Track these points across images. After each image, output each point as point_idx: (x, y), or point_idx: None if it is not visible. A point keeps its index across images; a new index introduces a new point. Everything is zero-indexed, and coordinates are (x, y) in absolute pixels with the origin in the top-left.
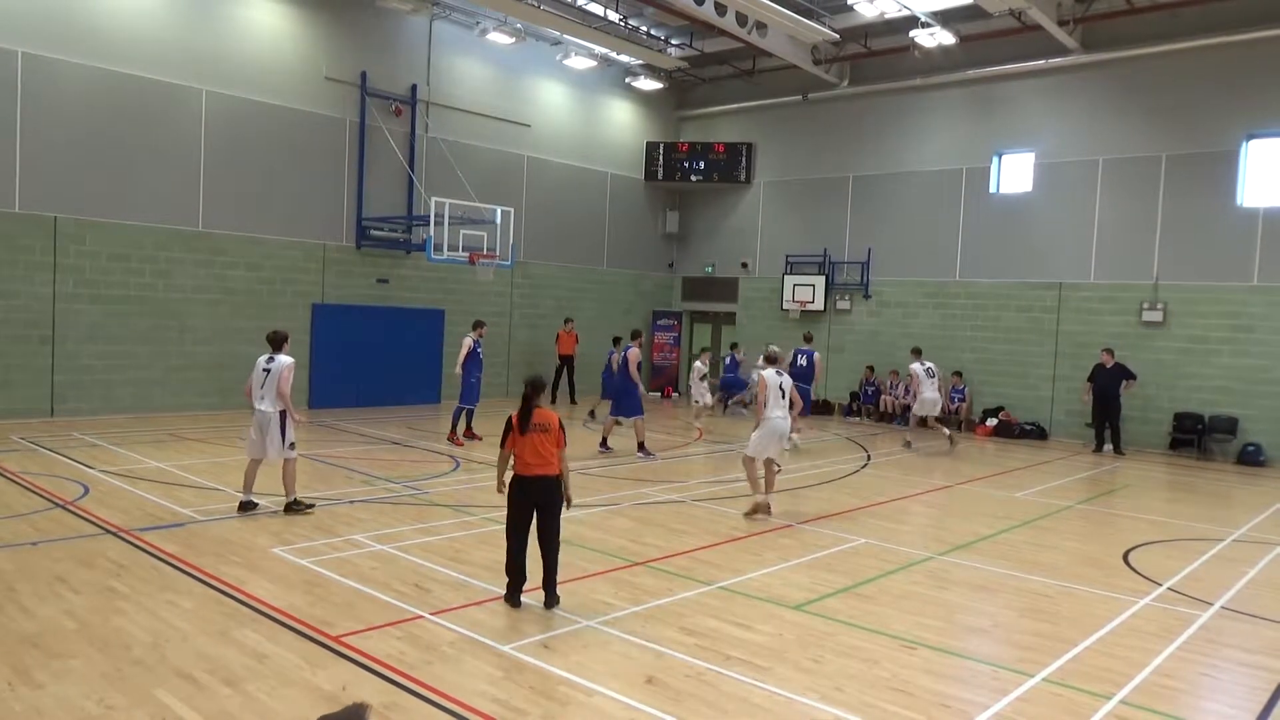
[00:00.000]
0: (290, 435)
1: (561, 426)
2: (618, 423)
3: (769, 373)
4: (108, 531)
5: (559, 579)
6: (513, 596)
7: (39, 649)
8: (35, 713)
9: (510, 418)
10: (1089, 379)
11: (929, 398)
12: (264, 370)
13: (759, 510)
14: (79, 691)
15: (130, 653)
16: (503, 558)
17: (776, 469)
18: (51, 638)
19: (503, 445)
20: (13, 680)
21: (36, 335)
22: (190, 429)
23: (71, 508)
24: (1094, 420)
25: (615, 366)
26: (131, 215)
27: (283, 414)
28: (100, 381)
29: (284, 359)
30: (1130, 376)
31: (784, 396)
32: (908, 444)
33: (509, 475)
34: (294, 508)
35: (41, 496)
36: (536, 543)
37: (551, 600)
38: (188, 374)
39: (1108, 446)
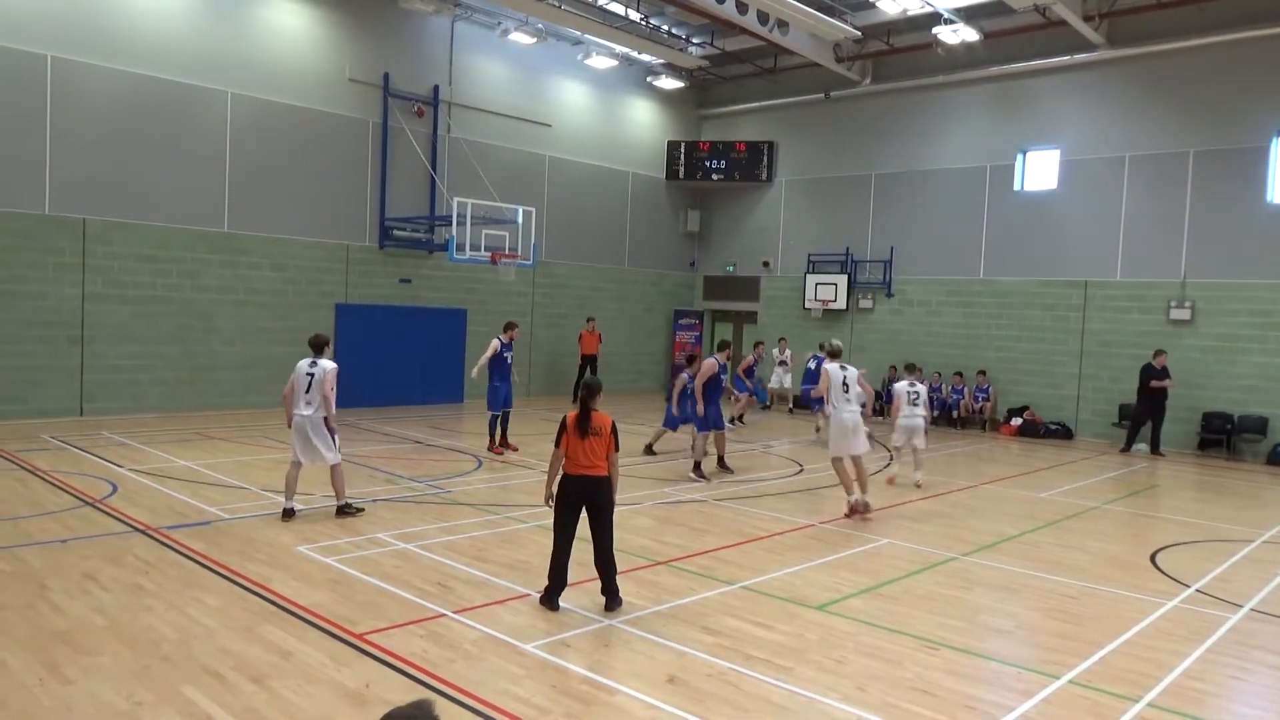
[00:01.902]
0: (338, 440)
1: (614, 431)
2: (720, 433)
3: (832, 366)
4: (136, 529)
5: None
6: (550, 599)
7: (69, 645)
8: (66, 708)
9: (565, 418)
10: (1148, 377)
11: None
12: (307, 374)
13: (856, 511)
14: (108, 687)
15: (158, 649)
16: (525, 556)
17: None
18: (81, 634)
19: (556, 445)
20: (44, 676)
21: (65, 336)
22: (216, 428)
23: (100, 506)
24: (1136, 419)
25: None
26: (158, 217)
27: (326, 420)
28: (128, 381)
29: (327, 363)
30: (1168, 377)
31: (848, 390)
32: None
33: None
34: (345, 510)
35: (71, 495)
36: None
37: (614, 603)
38: (214, 374)
39: (1138, 446)
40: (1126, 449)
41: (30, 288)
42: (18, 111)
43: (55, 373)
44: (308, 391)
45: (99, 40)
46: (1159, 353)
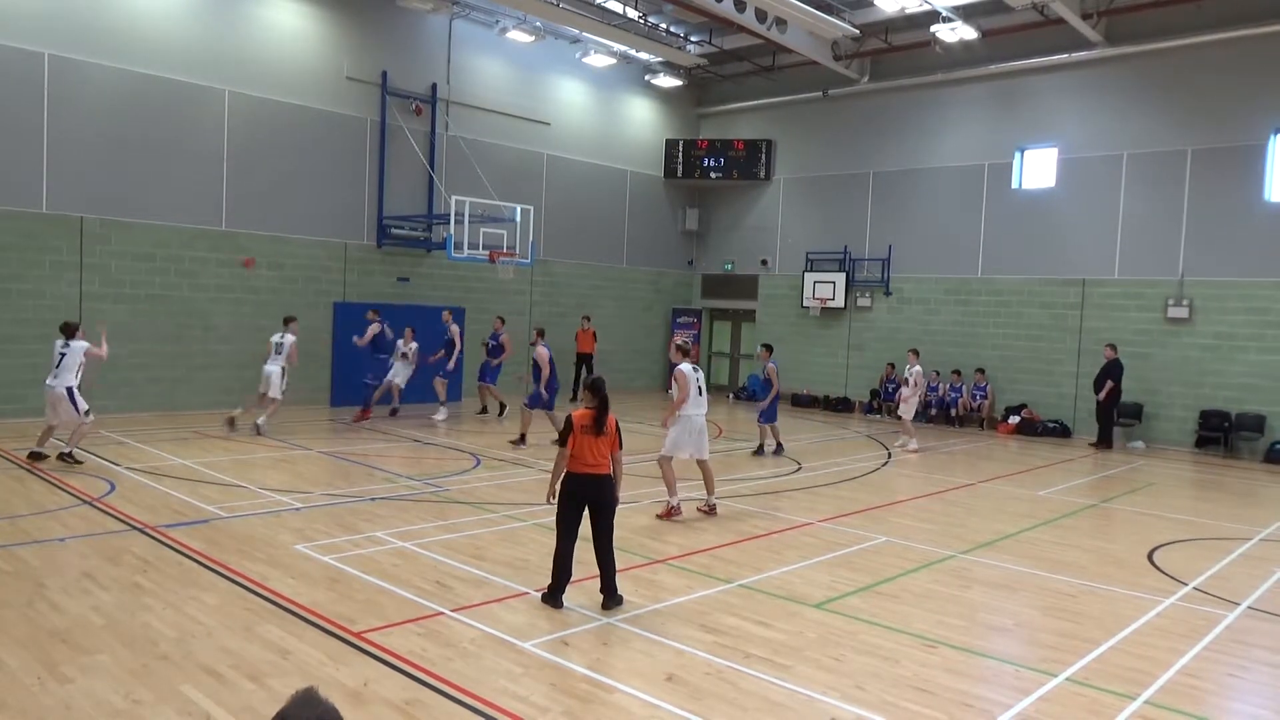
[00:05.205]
0: (83, 404)
1: (618, 429)
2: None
3: (686, 367)
4: (134, 528)
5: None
6: (554, 597)
7: (67, 644)
8: (64, 707)
9: (570, 417)
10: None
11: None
12: (59, 353)
13: (674, 513)
14: (107, 686)
15: (156, 648)
16: (523, 554)
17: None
18: (80, 633)
19: (563, 443)
20: (42, 675)
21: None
22: (214, 427)
23: (99, 504)
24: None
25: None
26: (156, 215)
27: (70, 390)
28: (126, 380)
29: (78, 344)
30: (1108, 376)
31: (702, 393)
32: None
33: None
34: (67, 458)
35: (69, 493)
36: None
37: (612, 602)
38: (212, 373)
39: (1134, 444)
40: (1104, 445)
41: (28, 286)
42: (15, 109)
43: None
44: (58, 367)
45: (96, 38)
46: (1108, 345)
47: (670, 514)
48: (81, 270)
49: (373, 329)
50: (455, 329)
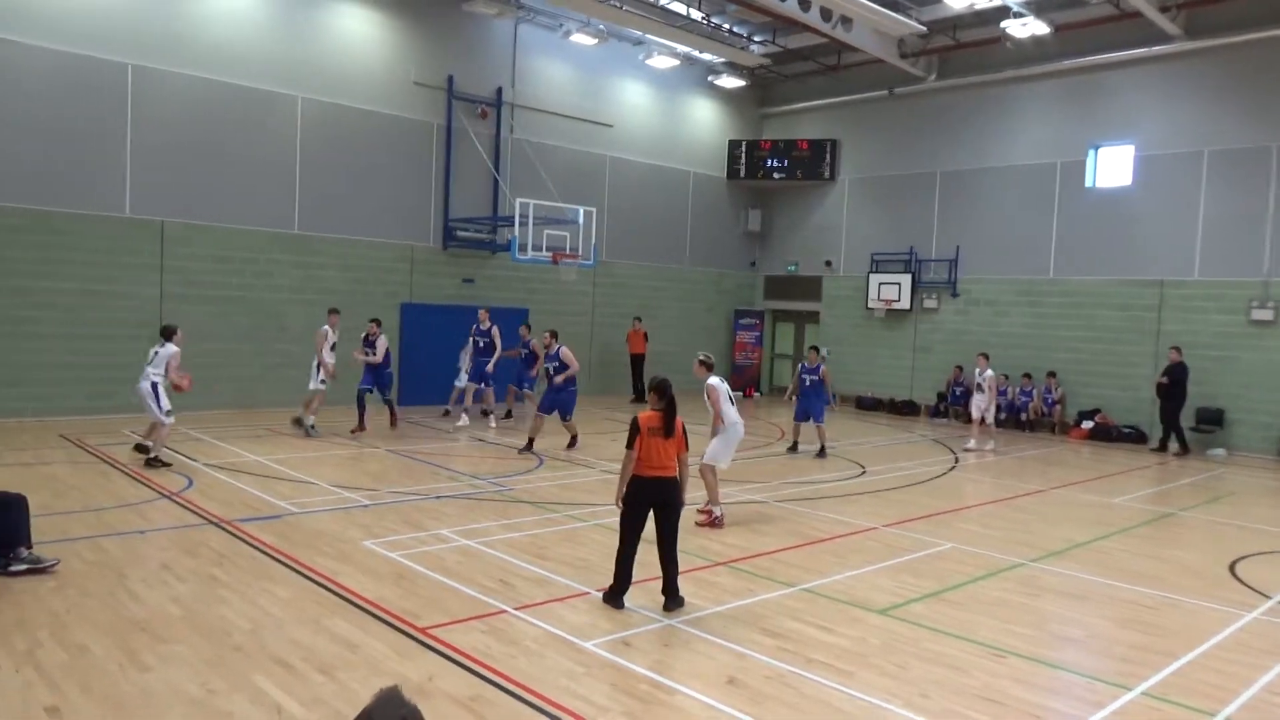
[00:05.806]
0: (165, 404)
1: (684, 431)
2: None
3: (715, 380)
4: (210, 522)
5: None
6: (615, 598)
7: (147, 633)
8: (144, 694)
9: (636, 420)
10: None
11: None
12: (155, 352)
13: (716, 523)
14: (184, 675)
15: (230, 639)
16: (585, 554)
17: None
18: (159, 623)
19: (630, 446)
20: (124, 662)
21: (146, 335)
22: (287, 424)
23: (177, 499)
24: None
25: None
26: (232, 219)
27: (154, 386)
28: (203, 379)
29: (171, 347)
30: (1168, 376)
31: (733, 403)
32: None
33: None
34: (154, 462)
35: (149, 487)
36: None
37: (673, 603)
38: (285, 371)
39: (1173, 445)
40: (1160, 448)
41: (115, 288)
42: (101, 118)
43: (136, 370)
44: (151, 365)
45: (176, 49)
46: (1174, 348)
47: (712, 523)
48: (162, 272)
49: (382, 343)
50: (496, 329)
